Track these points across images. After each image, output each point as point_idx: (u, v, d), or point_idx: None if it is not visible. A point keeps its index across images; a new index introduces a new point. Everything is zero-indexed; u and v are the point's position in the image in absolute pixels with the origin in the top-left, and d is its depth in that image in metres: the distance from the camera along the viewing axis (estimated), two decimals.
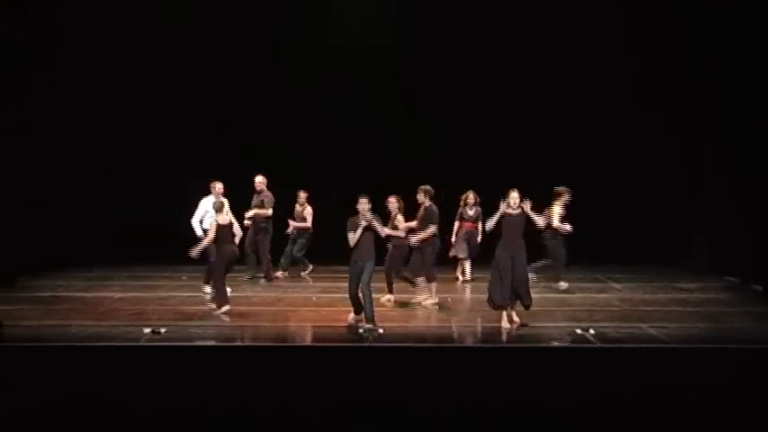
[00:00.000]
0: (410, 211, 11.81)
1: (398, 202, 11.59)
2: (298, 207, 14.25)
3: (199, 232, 12.28)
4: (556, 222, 12.74)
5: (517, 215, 10.24)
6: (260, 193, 13.68)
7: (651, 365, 8.80)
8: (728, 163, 14.14)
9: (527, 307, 10.29)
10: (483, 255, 12.64)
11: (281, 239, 14.21)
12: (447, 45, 15.82)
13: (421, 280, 11.89)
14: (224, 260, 11.10)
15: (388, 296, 11.84)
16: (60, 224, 14.55)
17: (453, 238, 13.67)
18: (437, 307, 11.66)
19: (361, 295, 10.09)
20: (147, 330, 9.72)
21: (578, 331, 9.90)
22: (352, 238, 10.06)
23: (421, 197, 11.78)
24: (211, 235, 11.07)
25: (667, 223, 15.47)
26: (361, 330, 9.93)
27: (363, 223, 10.04)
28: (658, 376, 8.39)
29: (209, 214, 12.06)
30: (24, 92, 13.82)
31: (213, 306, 11.17)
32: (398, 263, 11.77)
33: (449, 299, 12.29)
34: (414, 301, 11.92)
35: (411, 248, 11.70)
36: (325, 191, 14.65)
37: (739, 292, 13.11)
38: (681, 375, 8.44)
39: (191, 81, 15.62)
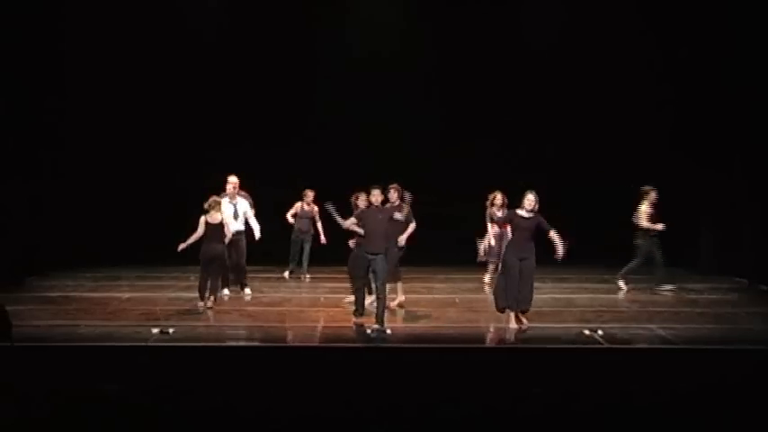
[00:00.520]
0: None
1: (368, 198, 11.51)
2: (305, 207, 13.99)
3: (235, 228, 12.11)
4: (644, 222, 12.63)
5: (529, 218, 10.06)
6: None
7: (659, 366, 8.78)
8: (739, 164, 14.13)
9: (524, 312, 10.22)
10: None
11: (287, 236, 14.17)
12: (460, 48, 15.97)
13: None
14: (205, 257, 11.19)
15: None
16: (69, 224, 14.61)
17: (485, 241, 13.04)
18: (402, 308, 11.50)
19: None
20: (155, 330, 9.74)
21: (586, 332, 9.88)
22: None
23: (393, 196, 11.24)
24: (200, 231, 11.12)
25: (676, 224, 15.43)
26: (369, 331, 9.93)
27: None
28: (667, 377, 8.37)
29: (245, 214, 12.26)
30: (35, 94, 13.91)
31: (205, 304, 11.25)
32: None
33: (456, 299, 12.28)
34: (345, 301, 11.61)
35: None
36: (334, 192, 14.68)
37: (748, 292, 13.08)
38: (689, 376, 8.42)
39: (202, 86, 15.72)
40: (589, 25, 15.58)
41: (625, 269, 12.98)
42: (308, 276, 14.16)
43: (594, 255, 14.74)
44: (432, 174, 15.79)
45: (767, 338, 9.80)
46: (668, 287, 12.89)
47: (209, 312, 11.17)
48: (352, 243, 10.98)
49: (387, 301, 10.50)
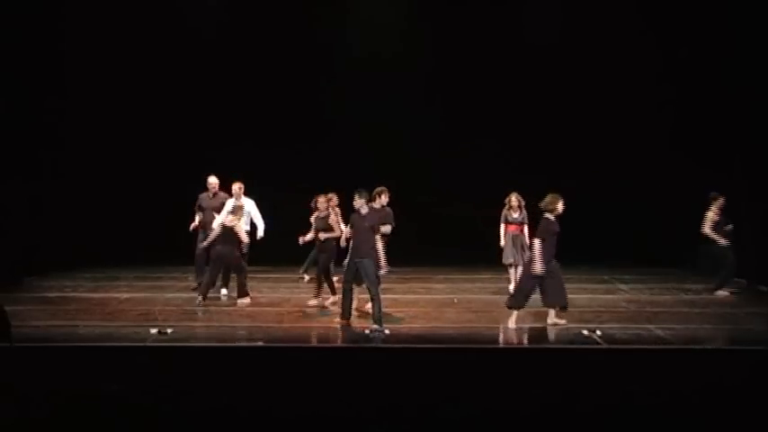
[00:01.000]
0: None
1: (329, 201, 11.75)
2: (332, 216, 11.92)
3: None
4: (707, 229, 12.56)
5: (555, 222, 10.14)
6: (215, 195, 12.73)
7: (658, 367, 8.78)
8: (739, 164, 14.13)
9: (510, 308, 10.33)
10: None
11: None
12: (461, 47, 15.97)
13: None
14: (217, 256, 11.65)
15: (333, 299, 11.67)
16: (69, 224, 14.62)
17: (502, 243, 12.68)
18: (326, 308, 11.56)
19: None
20: (153, 331, 9.75)
21: (585, 332, 9.88)
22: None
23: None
24: (218, 231, 11.48)
25: (674, 224, 15.44)
26: (367, 332, 9.94)
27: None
28: (665, 377, 8.36)
29: (250, 214, 12.32)
30: (35, 94, 13.92)
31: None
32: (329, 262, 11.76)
33: (455, 299, 12.29)
34: (311, 303, 11.72)
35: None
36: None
37: (746, 293, 13.07)
38: (688, 376, 8.42)
39: (202, 86, 15.74)
40: (589, 26, 15.60)
41: (719, 280, 12.75)
42: (307, 277, 14.17)
43: (594, 255, 14.75)
44: (432, 174, 15.82)
45: (766, 338, 9.79)
46: (724, 292, 12.72)
47: (201, 309, 11.35)
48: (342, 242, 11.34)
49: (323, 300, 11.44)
